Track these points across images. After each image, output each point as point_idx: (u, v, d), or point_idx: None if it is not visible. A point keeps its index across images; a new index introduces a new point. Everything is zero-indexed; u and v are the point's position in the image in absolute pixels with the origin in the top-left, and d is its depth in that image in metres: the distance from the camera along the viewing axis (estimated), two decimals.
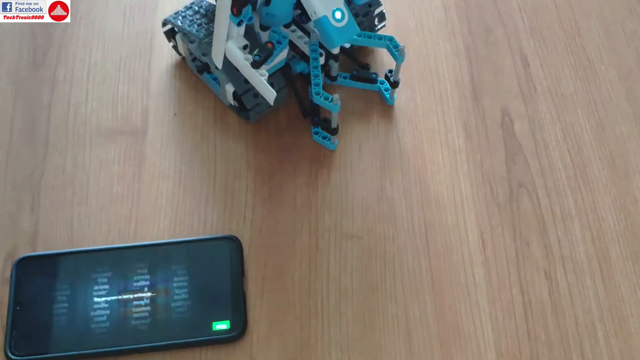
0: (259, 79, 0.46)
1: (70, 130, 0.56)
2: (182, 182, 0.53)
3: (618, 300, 0.50)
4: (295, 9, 0.49)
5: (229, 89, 0.53)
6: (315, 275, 0.50)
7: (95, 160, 0.54)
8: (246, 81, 0.50)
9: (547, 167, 0.55)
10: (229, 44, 0.47)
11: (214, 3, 0.50)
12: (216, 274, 0.48)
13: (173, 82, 0.58)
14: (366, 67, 0.59)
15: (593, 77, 0.60)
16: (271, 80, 0.51)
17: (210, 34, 0.51)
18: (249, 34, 0.46)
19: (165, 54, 0.59)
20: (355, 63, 0.59)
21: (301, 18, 0.52)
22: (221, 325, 0.46)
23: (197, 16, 0.54)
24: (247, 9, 0.44)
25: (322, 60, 0.54)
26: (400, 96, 0.58)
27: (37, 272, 0.48)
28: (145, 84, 0.58)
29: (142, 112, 0.56)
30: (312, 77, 0.52)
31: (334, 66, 0.56)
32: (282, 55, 0.52)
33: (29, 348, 0.45)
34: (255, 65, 0.46)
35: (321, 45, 0.54)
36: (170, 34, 0.57)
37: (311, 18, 0.47)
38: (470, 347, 0.48)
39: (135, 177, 0.53)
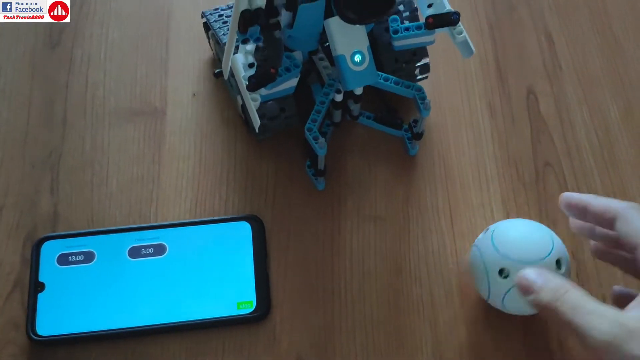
0: (250, 102, 0.43)
1: (88, 111, 0.55)
2: (202, 163, 0.52)
3: None
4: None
5: (239, 100, 0.51)
6: (338, 257, 0.49)
7: (114, 141, 0.53)
8: None
9: (573, 147, 0.54)
10: (235, 57, 0.43)
11: None
12: (239, 253, 0.48)
13: (191, 62, 0.57)
14: (393, 110, 0.55)
15: (620, 55, 0.59)
16: (282, 105, 0.50)
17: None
18: (269, 45, 0.42)
19: (183, 33, 0.58)
20: (383, 103, 0.55)
21: (328, 49, 0.47)
22: (245, 305, 0.46)
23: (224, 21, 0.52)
24: (255, 29, 0.40)
25: (339, 97, 0.49)
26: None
27: (57, 252, 0.47)
28: (164, 63, 0.57)
29: (161, 93, 0.55)
30: (313, 112, 0.48)
31: (353, 106, 0.52)
32: (290, 83, 0.48)
33: (50, 329, 0.45)
34: (250, 87, 0.42)
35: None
36: (207, 27, 0.55)
37: (332, 53, 0.45)
38: (497, 327, 0.47)
39: (155, 158, 0.52)
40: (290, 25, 0.45)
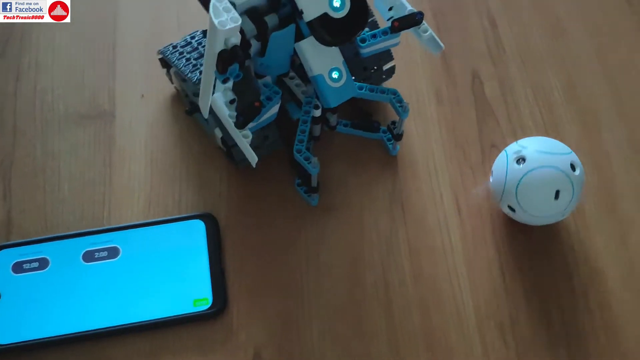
0: (242, 141, 0.42)
1: (37, 117, 0.55)
2: (154, 163, 0.53)
3: (594, 252, 0.50)
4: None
5: (218, 133, 0.50)
6: (294, 248, 0.50)
7: (65, 146, 0.53)
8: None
9: (518, 127, 0.55)
10: (215, 98, 0.43)
11: None
12: (194, 252, 0.48)
13: (139, 63, 0.57)
14: (368, 114, 0.56)
15: (562, 35, 0.60)
16: (265, 133, 0.50)
17: (197, 71, 0.49)
18: (245, 79, 0.42)
19: (129, 34, 0.58)
20: (357, 109, 0.56)
21: (301, 69, 0.48)
22: (202, 302, 0.46)
23: (195, 54, 0.51)
24: (234, 67, 0.40)
25: (318, 112, 0.50)
26: None
27: (12, 261, 0.48)
28: (111, 66, 0.57)
29: (109, 95, 0.55)
30: (298, 132, 0.49)
31: (332, 118, 0.53)
32: (272, 111, 0.47)
33: (9, 337, 0.45)
34: (239, 125, 0.42)
35: (317, 96, 0.50)
36: (164, 64, 0.54)
37: (308, 73, 0.45)
38: (449, 309, 0.48)
39: (106, 161, 0.53)
40: (262, 53, 0.45)
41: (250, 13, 0.43)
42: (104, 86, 0.56)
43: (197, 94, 0.49)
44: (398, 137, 0.53)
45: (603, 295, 0.48)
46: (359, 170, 0.53)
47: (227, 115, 0.42)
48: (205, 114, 0.43)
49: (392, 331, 0.47)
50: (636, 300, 0.48)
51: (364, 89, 0.50)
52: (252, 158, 0.43)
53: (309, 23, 0.41)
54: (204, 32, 0.51)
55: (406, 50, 0.58)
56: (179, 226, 0.49)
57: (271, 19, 0.43)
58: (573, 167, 0.46)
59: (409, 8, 0.46)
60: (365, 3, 0.41)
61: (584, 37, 0.60)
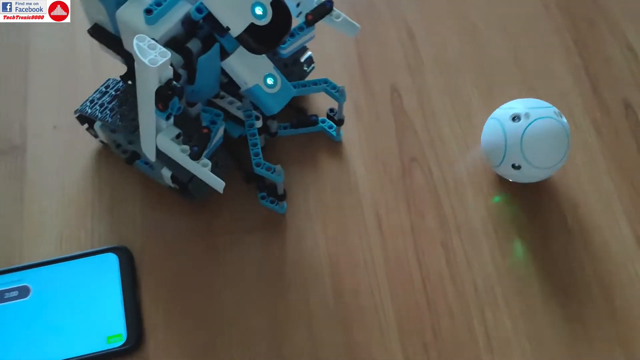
0: (203, 170, 0.42)
1: None
2: (66, 197, 0.51)
3: (516, 262, 0.50)
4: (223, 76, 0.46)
5: (166, 173, 0.49)
6: (212, 275, 0.49)
7: None
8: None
9: (437, 138, 0.55)
10: (160, 138, 0.42)
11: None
12: (107, 286, 0.47)
13: (50, 95, 0.56)
14: (303, 111, 0.56)
15: (479, 42, 0.60)
16: (215, 160, 0.48)
17: (133, 120, 0.46)
18: (183, 110, 0.42)
19: (41, 66, 0.57)
20: (292, 109, 0.55)
21: (229, 87, 0.48)
22: (115, 338, 0.45)
23: (116, 102, 0.49)
24: (174, 101, 0.39)
25: (259, 123, 0.50)
26: None
27: None
28: (22, 99, 0.55)
29: (21, 129, 0.54)
30: (250, 147, 0.49)
31: (273, 124, 0.53)
32: (219, 134, 0.47)
33: None
34: (195, 157, 0.41)
35: (255, 107, 0.50)
36: (84, 121, 0.52)
37: (242, 88, 0.45)
38: (372, 324, 0.47)
39: (17, 197, 0.51)
40: (192, 80, 0.44)
41: (172, 44, 0.42)
42: (14, 120, 0.54)
43: (133, 141, 0.49)
44: (340, 122, 0.54)
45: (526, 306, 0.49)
46: (309, 169, 0.53)
47: (179, 151, 0.42)
48: (153, 157, 0.43)
49: (315, 350, 0.46)
50: None
51: (297, 87, 0.51)
52: (219, 184, 0.42)
53: (238, 37, 0.40)
54: (115, 80, 0.50)
55: (328, 65, 0.57)
56: (91, 261, 0.48)
57: (194, 45, 0.42)
58: (560, 116, 0.49)
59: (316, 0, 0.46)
60: (286, 5, 0.41)
61: (502, 43, 0.60)
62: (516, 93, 0.57)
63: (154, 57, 0.36)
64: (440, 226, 0.51)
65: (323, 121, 0.55)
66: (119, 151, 0.52)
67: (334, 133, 0.55)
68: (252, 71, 0.44)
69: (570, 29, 0.61)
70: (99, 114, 0.49)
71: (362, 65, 0.58)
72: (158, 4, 0.40)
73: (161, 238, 0.50)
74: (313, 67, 0.55)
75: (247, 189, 0.52)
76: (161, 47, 0.37)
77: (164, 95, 0.38)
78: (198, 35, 0.43)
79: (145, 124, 0.41)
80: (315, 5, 0.46)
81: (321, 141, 0.55)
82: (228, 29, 0.40)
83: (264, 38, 0.40)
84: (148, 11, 0.40)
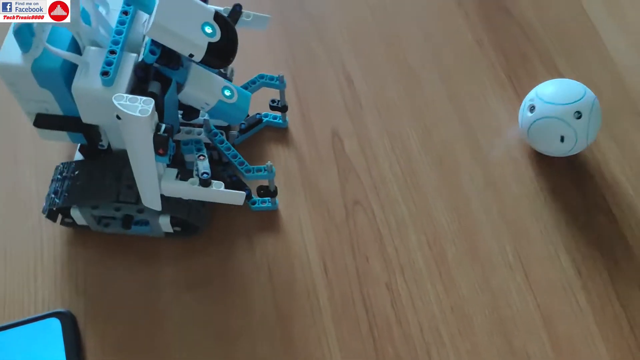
0: (219, 192, 0.44)
1: None
2: (7, 261, 0.51)
3: (459, 300, 0.51)
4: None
5: (163, 220, 0.49)
6: (161, 331, 0.49)
7: None
8: (180, 201, 0.48)
9: (378, 180, 0.56)
10: (165, 184, 0.43)
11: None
12: (50, 354, 0.46)
13: None
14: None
15: (416, 83, 0.62)
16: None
17: (110, 187, 0.47)
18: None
19: None
20: None
21: (189, 116, 0.48)
22: None
23: (81, 181, 0.48)
24: (169, 142, 0.40)
25: (223, 137, 0.52)
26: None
27: None
28: None
29: None
30: (232, 160, 0.51)
31: (233, 135, 0.56)
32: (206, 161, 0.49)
33: None
34: (207, 183, 0.43)
35: (217, 126, 0.53)
36: (56, 215, 0.51)
37: (205, 110, 0.46)
38: None
39: None
40: (160, 121, 0.43)
41: (136, 94, 0.42)
42: None
43: (119, 208, 0.49)
44: (284, 108, 0.57)
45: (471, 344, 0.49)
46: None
47: (188, 186, 0.44)
48: (159, 206, 0.45)
49: None
50: None
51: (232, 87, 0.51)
52: (239, 197, 0.45)
53: (203, 59, 0.41)
54: (64, 164, 0.50)
55: (265, 110, 0.58)
56: (33, 327, 0.47)
57: (154, 86, 0.43)
58: (579, 114, 0.52)
59: (222, 8, 0.47)
60: (227, 20, 0.43)
61: (437, 83, 0.61)
62: (453, 130, 0.59)
63: (142, 108, 0.37)
64: (385, 268, 0.52)
65: (266, 115, 0.58)
66: (101, 226, 0.52)
67: (280, 121, 0.58)
68: (210, 91, 0.45)
69: (503, 64, 0.63)
70: (72, 200, 0.48)
71: (302, 110, 0.59)
72: (109, 64, 0.41)
73: (105, 298, 0.50)
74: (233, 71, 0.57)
75: (188, 241, 0.52)
76: (141, 97, 0.38)
77: (162, 140, 0.39)
78: (152, 77, 0.43)
79: (145, 178, 0.42)
80: (226, 11, 0.48)
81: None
82: (192, 55, 0.41)
83: (221, 54, 0.42)
84: (105, 73, 0.40)
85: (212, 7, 0.42)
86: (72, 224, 0.52)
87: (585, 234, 0.54)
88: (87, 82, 0.41)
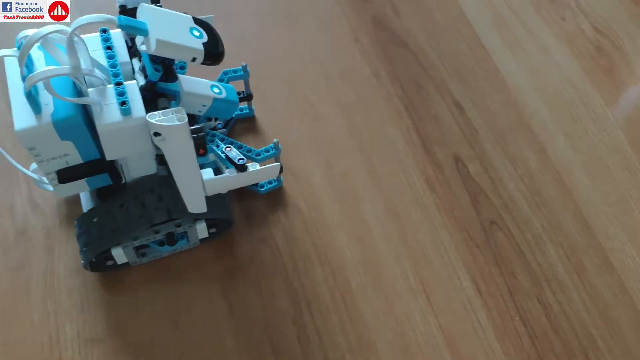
0: (258, 171, 0.47)
1: None
2: None
3: (603, 305, 0.54)
4: None
5: (200, 226, 0.52)
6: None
7: None
8: (210, 204, 0.49)
9: (508, 200, 0.59)
10: (209, 183, 0.46)
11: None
12: None
13: None
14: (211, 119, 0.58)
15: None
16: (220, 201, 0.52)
17: (140, 217, 0.48)
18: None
19: None
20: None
21: (190, 123, 0.50)
22: None
23: (107, 223, 0.49)
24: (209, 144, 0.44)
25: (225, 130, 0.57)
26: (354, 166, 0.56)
27: None
28: None
29: None
30: (238, 154, 0.50)
31: (224, 131, 0.60)
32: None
33: None
34: (244, 168, 0.47)
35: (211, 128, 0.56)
36: (100, 263, 0.52)
37: (202, 112, 0.48)
38: None
39: None
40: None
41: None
42: None
43: (158, 231, 0.50)
44: (250, 97, 0.60)
45: None
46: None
47: (227, 176, 0.47)
48: (205, 207, 0.47)
49: None
50: None
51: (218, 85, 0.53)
52: (275, 169, 0.48)
53: (203, 61, 0.43)
54: (80, 218, 0.50)
55: (389, 145, 0.58)
56: None
57: (163, 102, 0.45)
58: None
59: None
60: (205, 21, 0.45)
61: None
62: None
63: (178, 116, 0.41)
64: (532, 282, 0.54)
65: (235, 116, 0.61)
66: (139, 258, 0.53)
67: (247, 111, 0.62)
68: (204, 93, 0.48)
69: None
70: (111, 240, 0.49)
71: (423, 140, 0.62)
72: (121, 94, 0.42)
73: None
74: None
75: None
76: (169, 108, 0.41)
77: (200, 141, 0.42)
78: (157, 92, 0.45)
79: (191, 184, 0.45)
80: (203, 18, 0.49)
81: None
82: (194, 59, 0.43)
83: (214, 51, 0.44)
84: (123, 103, 0.42)
85: (187, 15, 0.44)
86: (113, 266, 0.52)
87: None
88: (109, 118, 0.41)
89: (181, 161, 0.43)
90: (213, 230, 0.54)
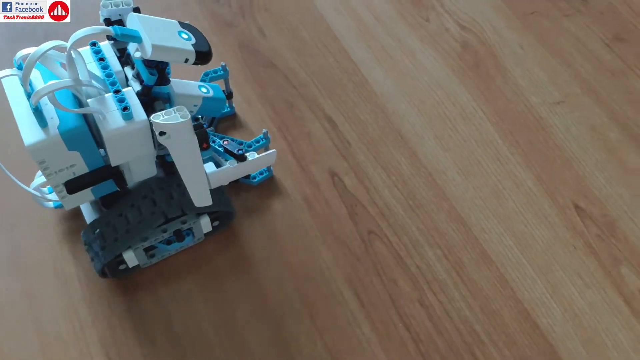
0: (257, 160, 0.51)
1: None
2: None
3: (484, 298, 0.55)
4: None
5: (204, 220, 0.54)
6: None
7: None
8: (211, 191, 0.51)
9: (384, 207, 0.59)
10: (212, 176, 0.49)
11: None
12: None
13: None
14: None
15: (386, 114, 0.66)
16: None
17: (149, 218, 0.50)
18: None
19: None
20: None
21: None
22: None
23: (115, 227, 0.51)
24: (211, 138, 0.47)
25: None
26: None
27: None
28: None
29: None
30: (232, 142, 0.53)
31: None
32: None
33: None
34: (244, 158, 0.51)
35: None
36: (114, 268, 0.53)
37: (194, 111, 0.51)
38: None
39: None
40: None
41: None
42: None
43: (166, 230, 0.52)
44: (230, 95, 0.63)
45: None
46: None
47: (229, 167, 0.50)
48: (210, 200, 0.49)
49: None
50: None
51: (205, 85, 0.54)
52: (272, 155, 0.53)
53: (195, 61, 0.45)
54: (87, 229, 0.52)
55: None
56: None
57: (159, 105, 0.47)
58: None
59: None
60: (192, 26, 0.47)
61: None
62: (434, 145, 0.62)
63: (181, 114, 0.43)
64: (413, 286, 0.55)
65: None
66: (148, 258, 0.54)
67: (228, 109, 0.64)
68: (194, 93, 0.50)
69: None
70: (120, 247, 0.51)
71: (297, 159, 0.63)
72: (122, 100, 0.44)
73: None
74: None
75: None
76: (169, 107, 0.44)
77: (203, 135, 0.44)
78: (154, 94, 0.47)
79: (196, 178, 0.47)
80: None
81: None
82: (187, 60, 0.45)
83: (203, 51, 0.46)
84: (125, 109, 0.44)
85: (173, 20, 0.47)
86: (125, 270, 0.54)
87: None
88: (113, 124, 0.44)
89: (187, 156, 0.45)
90: (216, 223, 0.56)
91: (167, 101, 0.48)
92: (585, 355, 0.51)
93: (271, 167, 0.60)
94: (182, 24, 0.46)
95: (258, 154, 0.52)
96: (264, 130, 0.58)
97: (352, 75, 0.68)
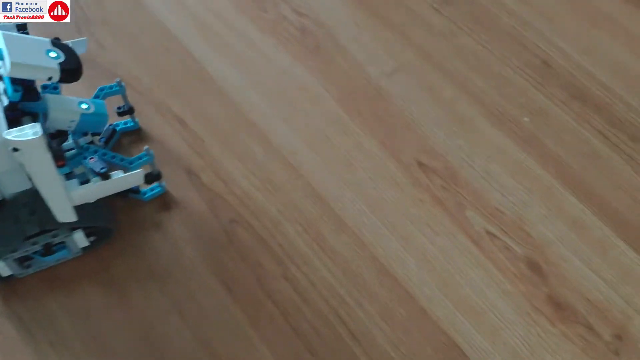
0: (121, 179, 0.51)
1: None
2: None
3: (345, 263, 0.58)
4: None
5: (78, 235, 0.53)
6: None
7: None
8: (86, 212, 0.51)
9: (243, 196, 0.61)
10: (74, 193, 0.49)
11: None
12: None
13: None
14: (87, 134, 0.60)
15: (230, 103, 0.66)
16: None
17: (19, 229, 0.50)
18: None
19: None
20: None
21: (60, 140, 0.53)
22: None
23: None
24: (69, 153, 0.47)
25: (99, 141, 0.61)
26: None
27: None
28: None
29: None
30: (114, 161, 0.55)
31: (99, 142, 0.62)
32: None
33: None
34: (107, 176, 0.50)
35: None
36: None
37: (71, 128, 0.51)
38: None
39: None
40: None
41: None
42: None
43: (35, 242, 0.52)
44: (131, 110, 0.63)
45: None
46: None
47: (93, 185, 0.50)
48: (74, 216, 0.50)
49: None
50: None
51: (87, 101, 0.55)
52: (139, 175, 0.52)
53: (60, 79, 0.46)
54: None
55: None
56: None
57: (28, 120, 0.47)
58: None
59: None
60: (64, 43, 0.48)
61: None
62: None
63: (33, 131, 0.42)
64: (277, 263, 0.58)
65: (117, 124, 0.64)
66: (22, 268, 0.54)
67: (132, 124, 0.64)
68: (70, 109, 0.51)
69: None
70: None
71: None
72: None
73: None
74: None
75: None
76: (25, 125, 0.43)
77: (59, 153, 0.45)
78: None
79: (55, 194, 0.47)
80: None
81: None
82: (50, 78, 0.46)
83: (71, 69, 0.47)
84: None
85: (45, 39, 0.47)
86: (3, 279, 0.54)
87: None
88: None
89: (41, 173, 0.45)
90: (93, 238, 0.55)
91: (36, 117, 0.48)
92: (442, 297, 0.56)
93: (163, 183, 0.60)
94: (54, 43, 0.48)
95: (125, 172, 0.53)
96: (146, 147, 0.56)
97: (197, 73, 0.70)
